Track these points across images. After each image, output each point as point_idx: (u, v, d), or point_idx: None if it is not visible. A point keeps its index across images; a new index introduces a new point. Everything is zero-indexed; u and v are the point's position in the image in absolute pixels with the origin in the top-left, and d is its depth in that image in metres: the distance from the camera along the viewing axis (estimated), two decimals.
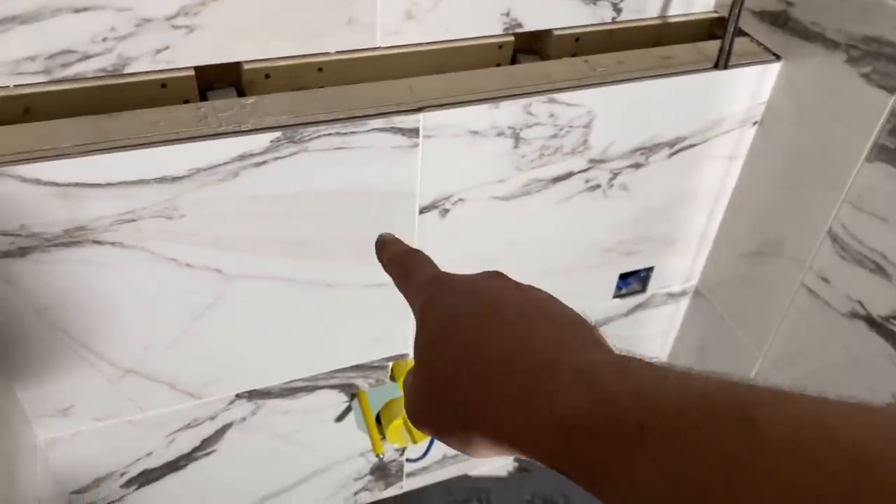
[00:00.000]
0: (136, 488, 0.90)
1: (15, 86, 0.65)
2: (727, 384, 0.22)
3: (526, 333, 0.28)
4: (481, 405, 0.27)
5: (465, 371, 0.28)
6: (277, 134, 0.66)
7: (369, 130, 0.69)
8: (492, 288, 0.31)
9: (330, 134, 0.67)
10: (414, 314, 0.33)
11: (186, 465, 0.91)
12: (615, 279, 0.99)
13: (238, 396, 0.86)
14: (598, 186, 0.85)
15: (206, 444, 0.90)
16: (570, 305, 0.31)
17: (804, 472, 0.19)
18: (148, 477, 0.90)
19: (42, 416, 0.76)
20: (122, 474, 0.88)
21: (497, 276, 0.33)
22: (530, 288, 0.32)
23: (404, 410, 0.32)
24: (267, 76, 0.73)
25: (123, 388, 0.78)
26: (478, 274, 0.33)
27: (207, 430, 0.88)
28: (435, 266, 0.36)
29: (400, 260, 0.37)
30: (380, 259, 0.38)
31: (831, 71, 0.77)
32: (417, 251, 0.37)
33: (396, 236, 0.39)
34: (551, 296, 0.31)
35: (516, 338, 0.28)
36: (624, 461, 0.22)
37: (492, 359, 0.28)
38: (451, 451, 1.15)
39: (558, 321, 0.29)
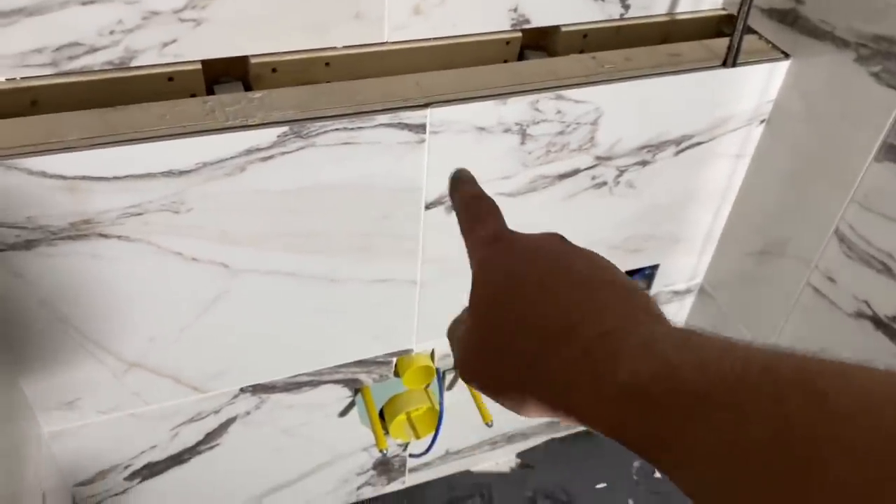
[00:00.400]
0: (140, 481, 0.90)
1: (22, 78, 0.64)
2: (793, 356, 0.22)
3: (590, 298, 0.28)
4: (540, 368, 0.27)
5: (526, 331, 0.28)
6: (284, 129, 0.65)
7: (376, 126, 0.68)
8: (555, 249, 0.31)
9: (337, 129, 0.67)
10: (471, 265, 0.33)
11: (190, 458, 0.91)
12: None
13: (242, 390, 0.86)
14: (605, 184, 0.85)
15: (210, 438, 0.90)
16: None
17: (879, 443, 0.18)
18: (152, 470, 0.90)
19: (47, 408, 0.76)
20: (126, 467, 0.88)
21: (559, 238, 0.32)
22: (592, 253, 0.31)
23: (455, 364, 0.32)
24: (274, 70, 0.73)
25: (128, 382, 0.78)
26: (540, 234, 0.33)
27: (211, 423, 0.88)
28: (502, 219, 0.35)
29: (469, 205, 0.36)
30: (451, 196, 0.38)
31: (840, 70, 0.76)
32: (488, 199, 0.36)
33: (473, 176, 0.38)
34: (612, 264, 0.31)
35: (580, 302, 0.28)
36: (686, 431, 0.22)
37: (554, 321, 0.27)
38: (454, 447, 1.15)
39: (621, 289, 0.29)
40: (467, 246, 0.34)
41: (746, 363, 0.22)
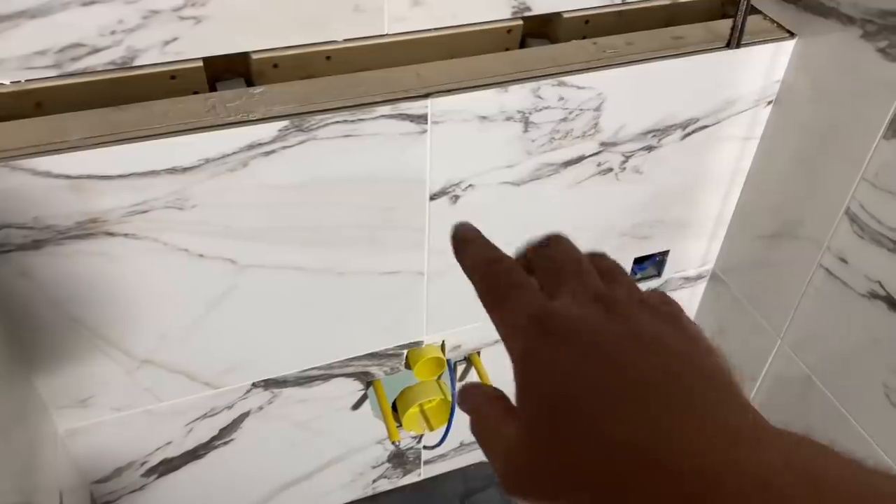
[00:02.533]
0: (157, 477, 0.91)
1: (26, 80, 0.65)
2: None
3: (670, 414, 0.22)
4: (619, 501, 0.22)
5: (598, 453, 0.22)
6: (285, 123, 0.66)
7: (377, 117, 0.69)
8: (615, 341, 0.25)
9: (338, 122, 0.67)
10: (510, 355, 0.27)
11: (205, 454, 0.92)
12: (630, 264, 0.98)
13: (254, 385, 0.87)
14: (611, 170, 0.84)
15: (224, 434, 0.91)
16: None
17: None
18: (168, 466, 0.91)
19: (61, 407, 0.77)
20: (142, 464, 0.89)
21: (615, 311, 0.26)
22: (667, 329, 0.25)
23: (497, 474, 0.26)
24: (275, 66, 0.73)
25: (141, 379, 0.79)
26: (590, 306, 0.26)
27: (225, 419, 0.89)
28: (532, 286, 0.28)
29: (486, 276, 0.29)
30: (460, 262, 0.31)
31: (847, 47, 0.75)
32: (508, 262, 0.29)
33: (476, 228, 0.32)
34: (708, 346, 0.25)
35: (656, 419, 0.22)
36: None
37: (629, 446, 0.22)
38: (468, 438, 1.15)
39: (710, 392, 0.23)
40: (499, 330, 0.28)
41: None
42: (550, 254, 0.30)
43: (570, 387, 0.24)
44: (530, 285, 0.28)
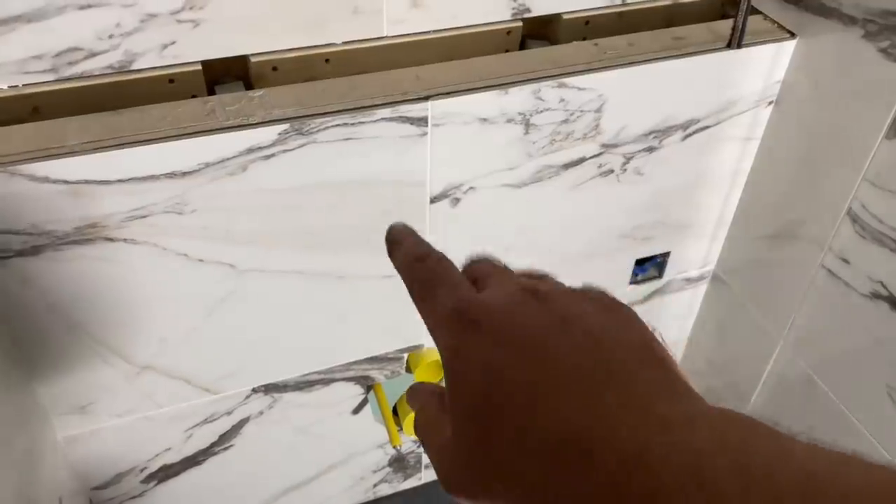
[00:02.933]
0: (157, 483, 0.91)
1: (23, 85, 0.65)
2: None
3: (597, 401, 0.22)
4: (550, 499, 0.22)
5: (524, 452, 0.22)
6: (285, 126, 0.65)
7: (377, 120, 0.68)
8: (539, 326, 0.24)
9: (337, 125, 0.67)
10: (438, 350, 0.26)
11: (205, 459, 0.91)
12: (631, 265, 0.98)
13: (254, 391, 0.87)
14: (612, 171, 0.84)
15: (224, 439, 0.90)
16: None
17: None
18: (168, 472, 0.90)
19: (61, 413, 0.77)
20: (142, 470, 0.88)
21: (538, 298, 0.25)
22: (590, 308, 0.25)
23: (437, 475, 0.26)
24: (274, 69, 0.73)
25: (140, 385, 0.78)
26: (515, 295, 0.26)
27: (225, 424, 0.88)
28: (459, 279, 0.28)
29: (414, 270, 0.29)
30: (392, 261, 0.31)
31: (848, 47, 0.75)
32: (435, 257, 0.29)
33: (410, 228, 0.32)
34: (629, 317, 0.25)
35: (584, 408, 0.22)
36: None
37: (557, 439, 0.21)
38: None
39: (638, 370, 0.23)
40: (427, 324, 0.27)
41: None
42: (480, 263, 0.30)
43: (497, 382, 0.23)
44: (457, 279, 0.28)
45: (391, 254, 0.31)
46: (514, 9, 0.78)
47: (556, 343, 0.24)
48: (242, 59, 0.72)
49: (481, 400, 0.24)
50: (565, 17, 0.81)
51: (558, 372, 0.23)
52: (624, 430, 0.21)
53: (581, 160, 0.81)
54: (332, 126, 0.67)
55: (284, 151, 0.67)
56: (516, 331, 0.24)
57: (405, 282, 0.29)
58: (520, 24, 0.80)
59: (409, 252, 0.30)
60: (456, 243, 0.81)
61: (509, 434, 0.23)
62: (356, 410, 0.97)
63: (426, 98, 0.69)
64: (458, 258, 0.31)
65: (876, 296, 0.79)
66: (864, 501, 0.18)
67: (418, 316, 0.32)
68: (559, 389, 0.22)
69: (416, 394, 0.30)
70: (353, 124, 0.67)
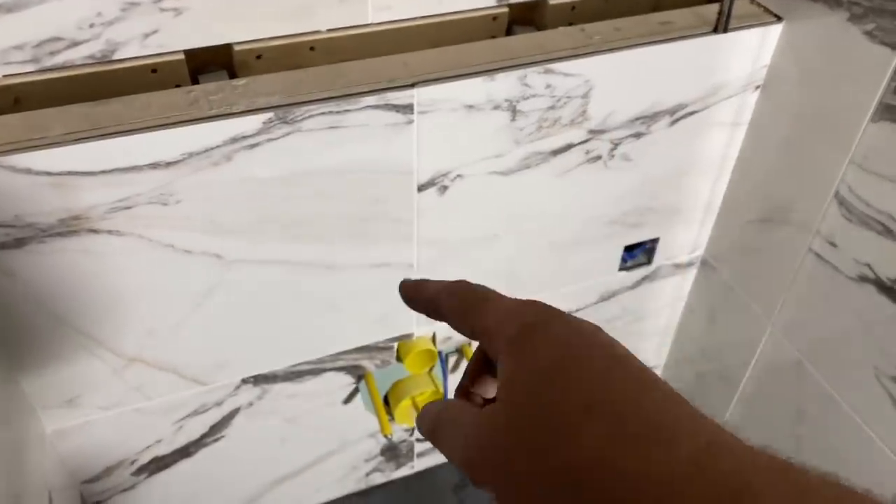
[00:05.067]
0: (147, 476, 0.91)
1: (4, 76, 0.64)
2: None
3: (670, 398, 0.23)
4: (624, 467, 0.22)
5: (556, 461, 0.23)
6: (269, 115, 0.65)
7: (363, 108, 0.68)
8: (601, 337, 0.26)
9: (322, 113, 0.67)
10: (497, 359, 0.27)
11: (196, 451, 0.91)
12: (620, 252, 0.98)
13: (244, 381, 0.86)
14: (599, 158, 0.84)
15: (215, 430, 0.90)
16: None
17: None
18: (158, 464, 0.90)
19: (49, 407, 0.76)
20: (132, 462, 0.88)
21: (548, 338, 0.26)
22: (586, 338, 0.26)
23: (457, 455, 0.27)
24: (258, 57, 0.72)
25: (129, 377, 0.78)
26: (567, 317, 0.27)
27: (215, 415, 0.88)
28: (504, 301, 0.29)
29: (456, 291, 0.30)
30: (420, 304, 0.32)
31: (833, 30, 0.75)
32: (465, 283, 0.31)
33: (419, 280, 0.33)
34: (625, 354, 0.25)
35: (663, 399, 0.23)
36: None
37: (642, 417, 0.23)
38: None
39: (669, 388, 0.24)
40: (483, 342, 0.28)
41: None
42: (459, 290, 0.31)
43: (556, 383, 0.24)
44: (493, 295, 0.29)
45: (414, 300, 0.32)
46: None
47: (626, 353, 0.25)
48: (226, 48, 0.71)
49: (554, 372, 0.25)
50: (551, 2, 0.81)
51: (634, 370, 0.25)
52: (697, 424, 0.23)
53: (568, 146, 0.81)
54: (318, 114, 0.66)
55: (269, 140, 0.66)
56: (587, 334, 0.26)
57: (444, 304, 0.30)
58: (506, 9, 0.80)
59: (435, 285, 0.31)
60: (444, 231, 0.81)
61: (585, 401, 0.23)
62: (347, 400, 0.97)
63: (412, 85, 0.69)
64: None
65: (863, 279, 0.79)
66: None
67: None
68: (637, 380, 0.24)
69: (433, 404, 0.31)
70: (338, 112, 0.67)
